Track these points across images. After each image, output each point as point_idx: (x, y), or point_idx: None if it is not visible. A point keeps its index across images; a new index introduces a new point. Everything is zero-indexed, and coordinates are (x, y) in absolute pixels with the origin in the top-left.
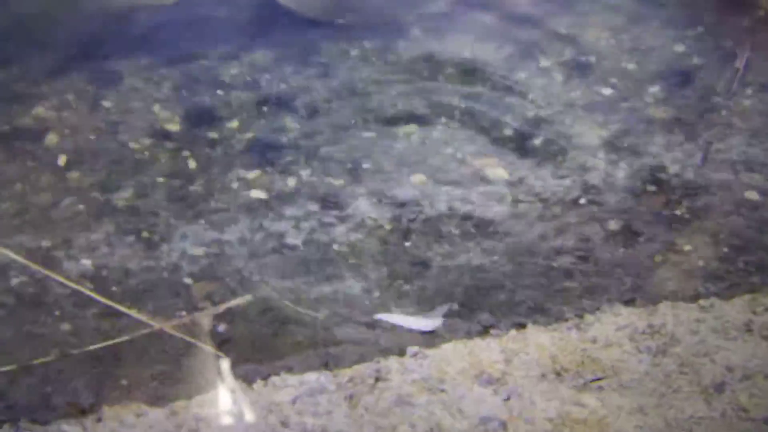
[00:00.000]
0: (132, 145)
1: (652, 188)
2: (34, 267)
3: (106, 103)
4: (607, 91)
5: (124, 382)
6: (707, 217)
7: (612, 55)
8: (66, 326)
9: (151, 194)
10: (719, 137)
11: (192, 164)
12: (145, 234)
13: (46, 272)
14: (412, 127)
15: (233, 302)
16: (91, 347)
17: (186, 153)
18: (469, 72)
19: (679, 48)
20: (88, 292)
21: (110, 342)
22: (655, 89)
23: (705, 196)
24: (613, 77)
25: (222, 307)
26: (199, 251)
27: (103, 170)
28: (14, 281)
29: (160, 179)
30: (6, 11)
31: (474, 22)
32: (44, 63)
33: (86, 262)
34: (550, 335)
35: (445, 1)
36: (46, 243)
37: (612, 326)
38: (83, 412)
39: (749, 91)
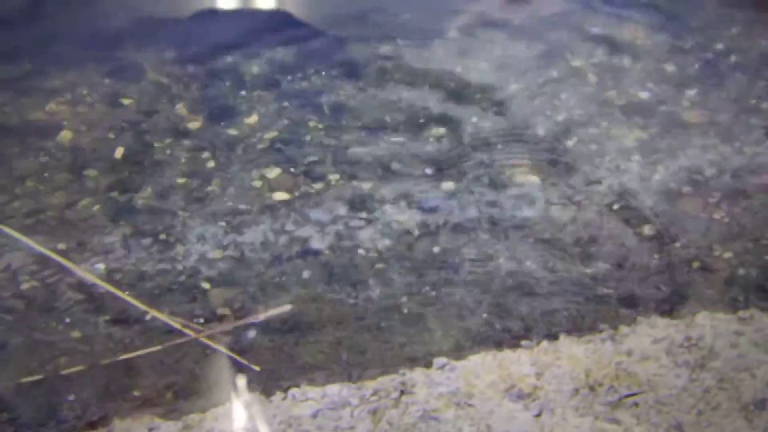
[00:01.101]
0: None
1: (688, 191)
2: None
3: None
4: (643, 94)
5: (136, 393)
6: (747, 222)
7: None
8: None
9: (170, 195)
10: (757, 140)
11: (211, 163)
12: (162, 236)
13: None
14: (441, 130)
15: (274, 311)
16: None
17: (206, 153)
18: (501, 68)
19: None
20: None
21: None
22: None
23: (744, 200)
24: (650, 80)
25: (261, 316)
26: (217, 254)
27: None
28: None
29: (180, 179)
30: None
31: (503, 23)
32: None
33: (99, 266)
34: (583, 347)
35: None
36: (60, 245)
37: (648, 338)
38: (92, 426)
39: None
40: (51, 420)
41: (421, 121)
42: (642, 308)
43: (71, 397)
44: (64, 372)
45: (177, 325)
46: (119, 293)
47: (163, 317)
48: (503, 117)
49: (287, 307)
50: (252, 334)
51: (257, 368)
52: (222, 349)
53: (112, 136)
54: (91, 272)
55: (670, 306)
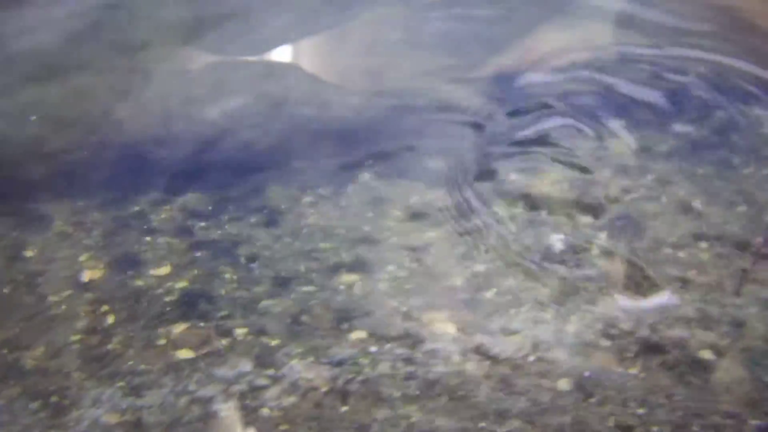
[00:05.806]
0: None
1: (605, 344)
2: None
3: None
4: (558, 238)
5: None
6: (662, 377)
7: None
8: None
9: (64, 353)
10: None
11: (111, 319)
12: (53, 398)
13: None
14: (354, 277)
15: None
16: None
17: (106, 306)
18: (419, 217)
19: None
20: None
21: None
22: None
23: (660, 355)
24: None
25: None
26: (113, 419)
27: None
28: None
29: (76, 336)
30: None
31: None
32: None
33: None
34: None
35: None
36: None
37: None
38: None
39: None
40: None
41: (334, 269)
42: None
43: None
44: None
45: None
46: None
47: None
48: (420, 265)
49: None
50: None
51: None
52: None
53: (6, 291)
54: None
55: None
